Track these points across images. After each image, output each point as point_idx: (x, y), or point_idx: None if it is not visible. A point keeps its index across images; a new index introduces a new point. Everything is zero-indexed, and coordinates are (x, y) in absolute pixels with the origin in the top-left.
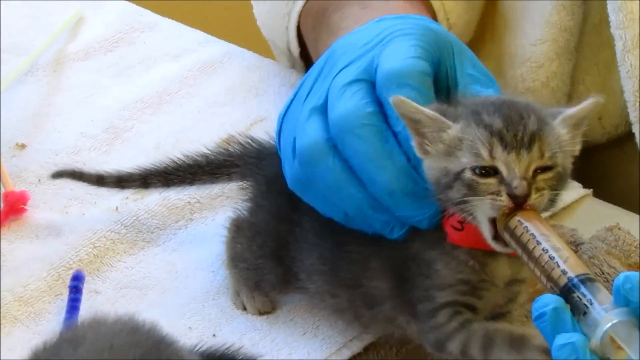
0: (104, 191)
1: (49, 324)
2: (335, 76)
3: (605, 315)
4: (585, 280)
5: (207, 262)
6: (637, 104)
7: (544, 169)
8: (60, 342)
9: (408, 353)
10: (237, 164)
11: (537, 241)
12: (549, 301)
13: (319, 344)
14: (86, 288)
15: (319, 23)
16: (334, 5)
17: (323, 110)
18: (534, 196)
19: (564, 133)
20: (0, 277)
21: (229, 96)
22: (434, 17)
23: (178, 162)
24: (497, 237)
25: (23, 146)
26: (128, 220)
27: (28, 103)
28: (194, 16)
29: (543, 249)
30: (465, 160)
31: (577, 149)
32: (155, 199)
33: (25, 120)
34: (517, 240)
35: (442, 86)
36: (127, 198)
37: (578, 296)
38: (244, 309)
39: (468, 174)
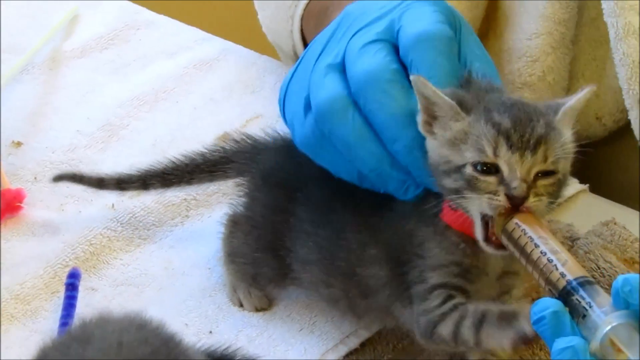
0: None
1: (45, 322)
2: (353, 36)
3: (606, 318)
4: (584, 283)
5: (203, 259)
6: (631, 91)
7: (545, 173)
8: (69, 341)
9: (404, 349)
10: (232, 160)
11: (535, 244)
12: (548, 305)
13: (315, 340)
14: (83, 285)
15: (321, 22)
16: (335, 4)
17: (340, 68)
18: (531, 199)
19: (568, 136)
20: (0, 273)
21: (225, 93)
22: None
23: (176, 162)
24: (488, 239)
25: (19, 144)
26: (124, 217)
27: (24, 101)
28: (190, 14)
29: (541, 252)
30: (468, 154)
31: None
32: (151, 196)
33: (21, 119)
34: (515, 243)
35: None
36: (123, 195)
37: (577, 299)
38: (241, 305)
39: (469, 170)
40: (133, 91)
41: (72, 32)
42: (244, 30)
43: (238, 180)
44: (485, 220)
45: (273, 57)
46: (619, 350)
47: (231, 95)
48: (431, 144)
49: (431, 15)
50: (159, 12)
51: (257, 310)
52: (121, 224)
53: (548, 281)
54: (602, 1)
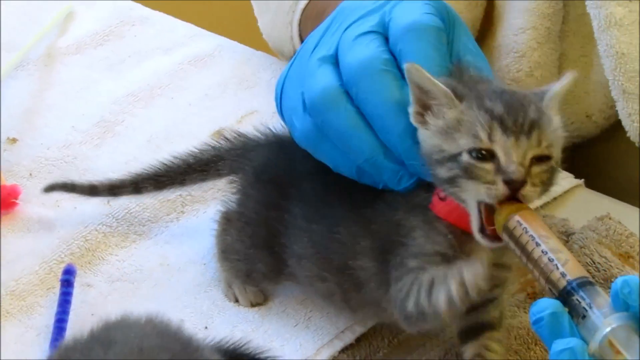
0: None
1: (41, 318)
2: (346, 29)
3: (605, 320)
4: (584, 283)
5: (199, 255)
6: (616, 82)
7: (540, 159)
8: (91, 342)
9: (400, 344)
10: (224, 158)
11: (537, 243)
12: (547, 305)
13: (310, 335)
14: (78, 281)
15: (318, 24)
16: (333, 5)
17: (333, 60)
18: (528, 186)
19: (557, 120)
20: (0, 271)
21: (220, 89)
22: None
23: (167, 164)
24: (483, 230)
25: (14, 141)
26: (120, 213)
27: (19, 98)
28: (184, 10)
29: (542, 251)
30: (463, 142)
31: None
32: None
33: (16, 115)
34: (516, 241)
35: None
36: None
37: (577, 299)
38: (236, 301)
39: (465, 157)
40: (128, 87)
41: (66, 29)
42: (239, 26)
43: (231, 177)
44: (481, 209)
45: (268, 53)
46: (618, 352)
47: (226, 91)
48: (424, 134)
49: (421, 7)
50: (153, 8)
51: (253, 305)
52: (116, 220)
53: (548, 280)
54: None
